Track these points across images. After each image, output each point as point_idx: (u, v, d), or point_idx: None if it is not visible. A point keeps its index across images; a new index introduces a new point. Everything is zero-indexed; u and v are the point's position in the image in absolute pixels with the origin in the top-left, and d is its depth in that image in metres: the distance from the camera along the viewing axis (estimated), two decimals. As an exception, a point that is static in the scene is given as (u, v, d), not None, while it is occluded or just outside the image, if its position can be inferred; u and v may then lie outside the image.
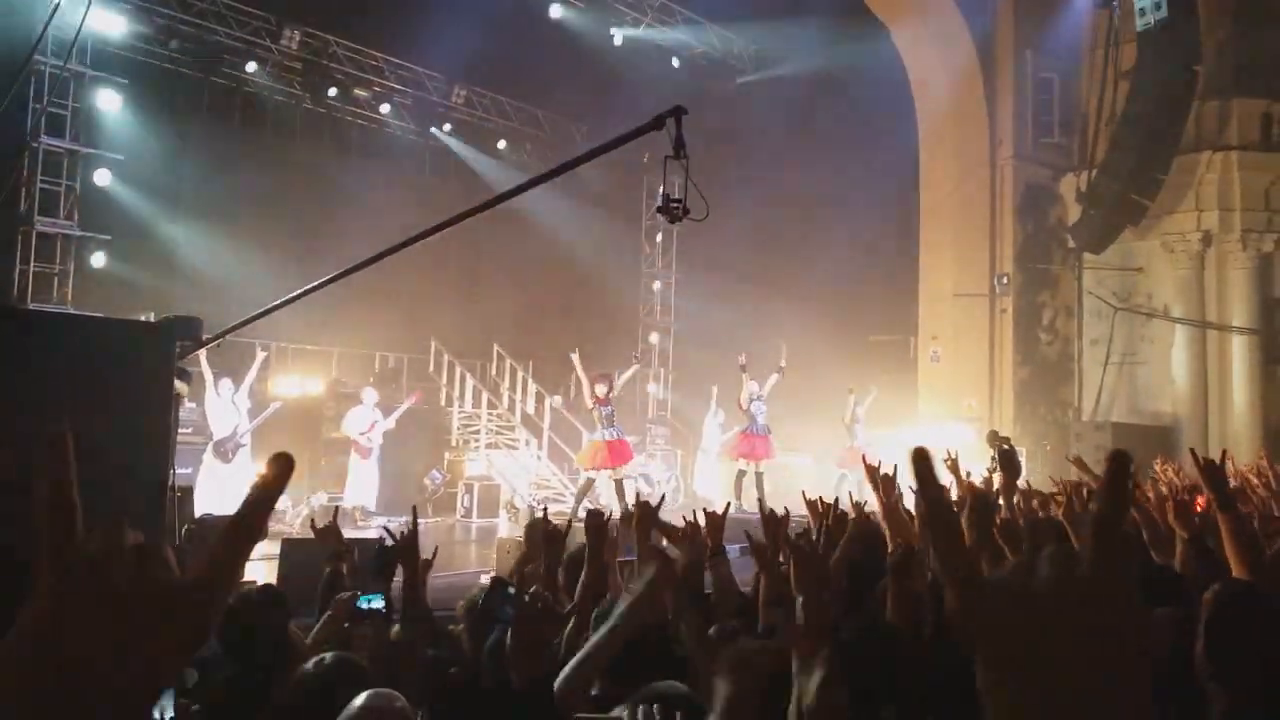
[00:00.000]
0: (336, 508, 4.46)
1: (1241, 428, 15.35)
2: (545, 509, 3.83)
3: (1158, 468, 7.78)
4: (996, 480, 5.65)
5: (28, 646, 0.57)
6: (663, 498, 4.12)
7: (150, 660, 0.59)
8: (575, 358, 12.06)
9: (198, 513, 8.71)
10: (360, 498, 12.50)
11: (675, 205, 5.95)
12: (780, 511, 3.96)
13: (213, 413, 11.25)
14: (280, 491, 0.65)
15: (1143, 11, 14.96)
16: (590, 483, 12.19)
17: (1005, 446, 9.76)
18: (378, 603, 2.98)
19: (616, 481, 11.98)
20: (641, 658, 2.50)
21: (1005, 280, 16.90)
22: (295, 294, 6.94)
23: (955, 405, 16.77)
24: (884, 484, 4.00)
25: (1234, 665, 2.03)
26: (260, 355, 11.87)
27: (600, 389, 12.03)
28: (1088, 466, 5.69)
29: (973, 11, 16.70)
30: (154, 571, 0.61)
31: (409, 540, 3.27)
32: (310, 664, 2.24)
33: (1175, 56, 15.05)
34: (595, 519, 3.18)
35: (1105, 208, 15.70)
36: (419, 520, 3.40)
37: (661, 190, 6.06)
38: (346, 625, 2.91)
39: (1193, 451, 3.70)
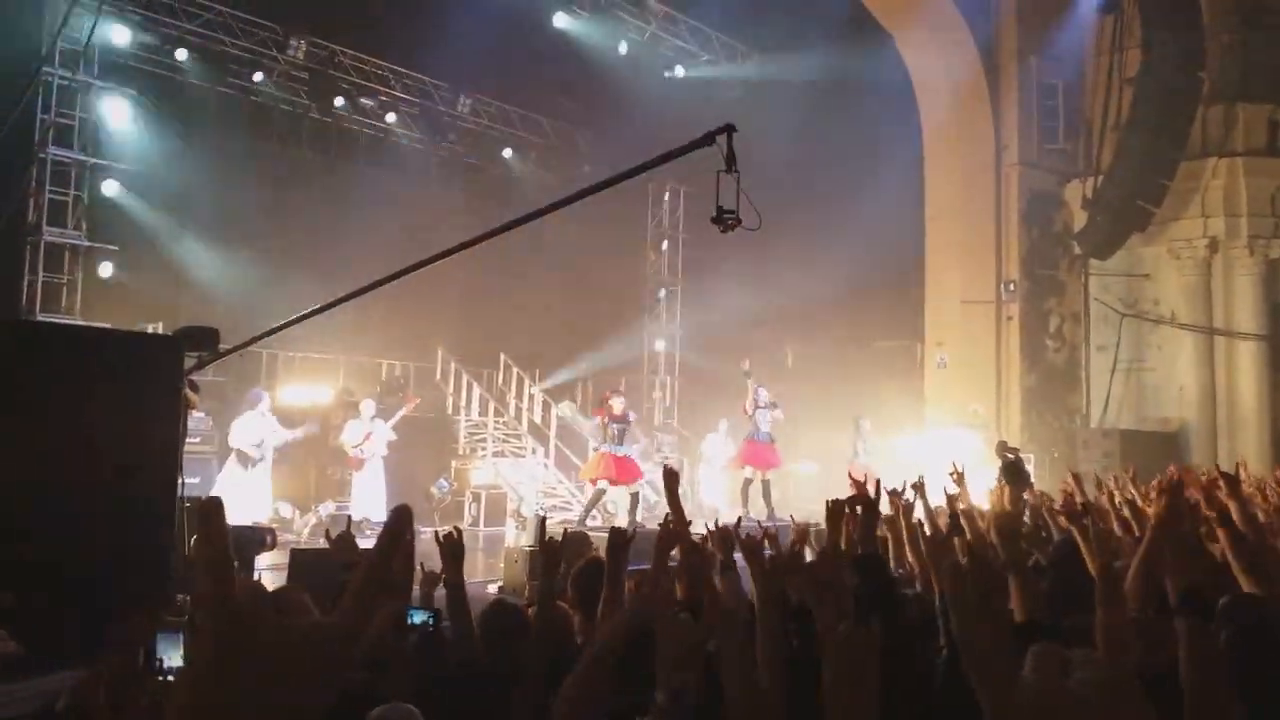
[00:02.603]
0: (349, 518, 4.46)
1: (1250, 434, 15.30)
2: (544, 517, 3.82)
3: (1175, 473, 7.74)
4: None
5: (189, 691, 0.63)
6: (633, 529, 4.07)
7: (294, 703, 0.63)
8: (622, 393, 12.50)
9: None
10: (365, 510, 12.50)
11: (729, 215, 6.16)
12: (786, 519, 3.98)
13: (242, 420, 11.40)
14: (402, 540, 0.72)
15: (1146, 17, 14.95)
16: (601, 493, 12.19)
17: (1010, 457, 9.71)
18: (419, 617, 2.99)
19: (633, 495, 11.99)
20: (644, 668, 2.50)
21: (1011, 287, 16.88)
22: (318, 307, 7.04)
23: (962, 412, 16.73)
24: (905, 511, 3.99)
25: (1254, 682, 2.03)
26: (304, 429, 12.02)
27: (617, 403, 12.10)
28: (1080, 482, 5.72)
29: (976, 18, 16.72)
30: (295, 619, 0.66)
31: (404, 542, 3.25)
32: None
33: (1180, 62, 15.05)
34: (617, 538, 3.18)
35: (1111, 214, 15.68)
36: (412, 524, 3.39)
37: (716, 202, 6.25)
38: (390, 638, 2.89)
39: (1223, 471, 3.71)
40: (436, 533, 3.50)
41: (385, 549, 0.70)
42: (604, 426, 12.01)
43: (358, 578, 0.69)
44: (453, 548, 3.22)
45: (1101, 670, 0.70)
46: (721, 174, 6.12)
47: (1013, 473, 4.92)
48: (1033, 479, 10.64)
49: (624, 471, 11.87)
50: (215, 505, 0.66)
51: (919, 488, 5.01)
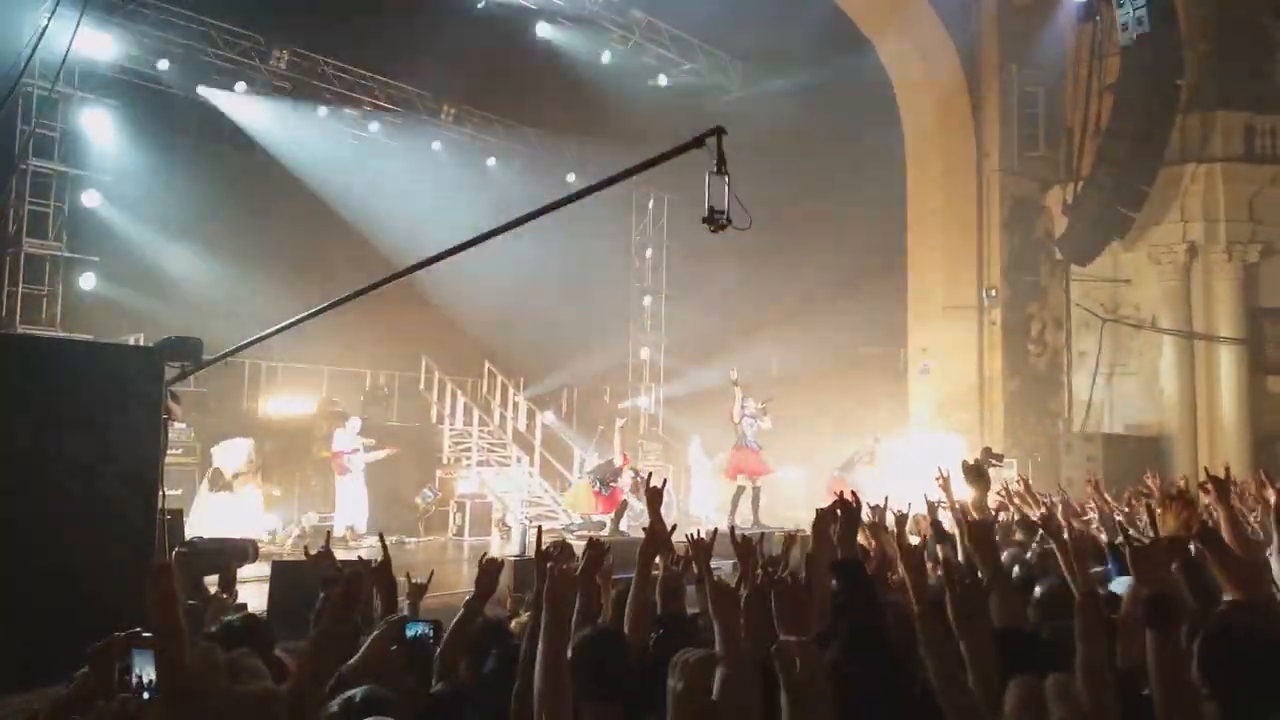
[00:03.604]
0: (328, 533, 4.45)
1: (1230, 437, 15.43)
2: (540, 528, 3.84)
3: (1150, 482, 7.78)
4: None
5: None
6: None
7: None
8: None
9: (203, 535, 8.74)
10: (349, 519, 12.48)
11: (719, 215, 6.28)
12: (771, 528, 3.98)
13: (224, 453, 11.43)
14: (352, 611, 0.69)
15: (1125, 25, 15.09)
16: (623, 505, 12.41)
17: (969, 460, 9.57)
18: (418, 629, 2.97)
19: (618, 509, 12.13)
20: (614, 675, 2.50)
21: (993, 293, 16.99)
22: (299, 317, 7.01)
23: (945, 417, 16.81)
24: (900, 524, 3.99)
25: (1229, 684, 2.05)
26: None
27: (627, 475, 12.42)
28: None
29: (957, 27, 16.84)
30: (249, 685, 0.64)
31: (382, 567, 3.28)
32: (337, 704, 2.12)
33: (1158, 70, 15.20)
34: (594, 548, 3.20)
35: (1092, 220, 15.81)
36: (388, 542, 3.43)
37: (706, 202, 6.37)
38: (394, 649, 2.88)
39: (1212, 475, 3.72)
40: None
41: (335, 620, 0.68)
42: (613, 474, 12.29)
43: (308, 648, 0.67)
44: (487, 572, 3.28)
45: (1077, 712, 0.68)
46: (711, 175, 6.23)
47: (973, 476, 4.94)
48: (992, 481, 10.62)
49: (606, 506, 12.16)
50: (165, 570, 0.64)
51: (878, 510, 4.98)
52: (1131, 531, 2.40)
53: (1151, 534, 3.05)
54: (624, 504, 12.13)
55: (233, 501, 11.17)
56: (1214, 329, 15.87)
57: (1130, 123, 15.35)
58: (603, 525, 12.41)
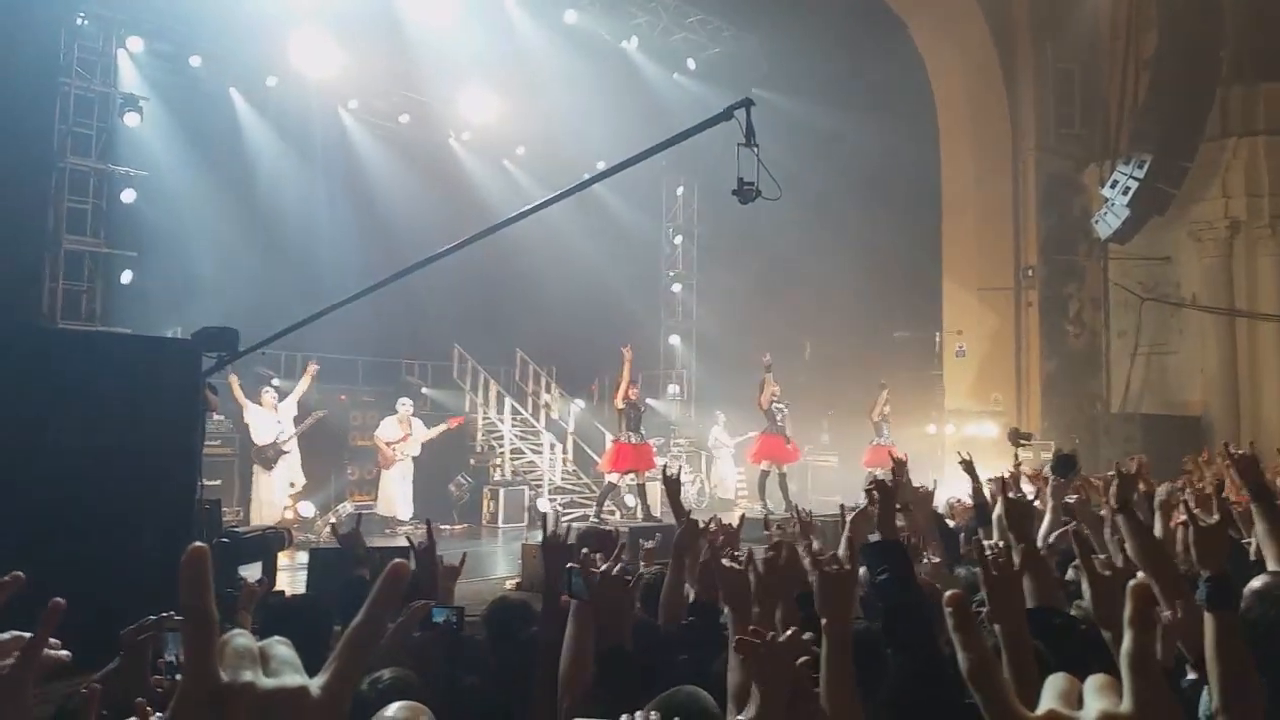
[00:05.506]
0: (359, 515, 4.49)
1: (1274, 417, 15.12)
2: (558, 519, 3.83)
3: (1189, 466, 7.64)
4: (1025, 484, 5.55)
5: None
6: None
7: None
8: (627, 353, 11.97)
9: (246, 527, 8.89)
10: (393, 508, 12.59)
11: (749, 186, 6.26)
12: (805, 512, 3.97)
13: (255, 420, 11.53)
14: (396, 604, 0.68)
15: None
16: (612, 486, 12.19)
17: (1061, 449, 9.24)
18: (443, 614, 3.00)
19: (639, 486, 12.00)
20: (635, 665, 2.50)
21: (1030, 273, 16.76)
22: (332, 305, 7.08)
23: (982, 400, 16.64)
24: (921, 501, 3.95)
25: (1274, 658, 2.02)
26: (312, 368, 12.18)
27: (634, 391, 12.07)
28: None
29: (991, 4, 16.58)
30: (281, 678, 0.62)
31: (427, 551, 3.30)
32: (365, 684, 2.16)
33: (1199, 42, 14.87)
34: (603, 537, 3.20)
35: (1130, 197, 15.53)
36: (435, 529, 3.44)
37: (737, 174, 6.36)
38: (417, 635, 2.91)
39: (1233, 454, 3.63)
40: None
41: (374, 613, 0.67)
42: (626, 413, 11.95)
43: (343, 642, 0.65)
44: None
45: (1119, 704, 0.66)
46: (740, 148, 6.23)
47: (1066, 465, 4.67)
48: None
49: (640, 459, 11.86)
50: (198, 554, 0.63)
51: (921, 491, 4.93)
52: (1197, 512, 2.33)
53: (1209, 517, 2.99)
54: (644, 487, 12.03)
55: (283, 468, 11.45)
56: (1256, 306, 15.55)
57: (1169, 97, 15.04)
58: (632, 511, 12.44)
